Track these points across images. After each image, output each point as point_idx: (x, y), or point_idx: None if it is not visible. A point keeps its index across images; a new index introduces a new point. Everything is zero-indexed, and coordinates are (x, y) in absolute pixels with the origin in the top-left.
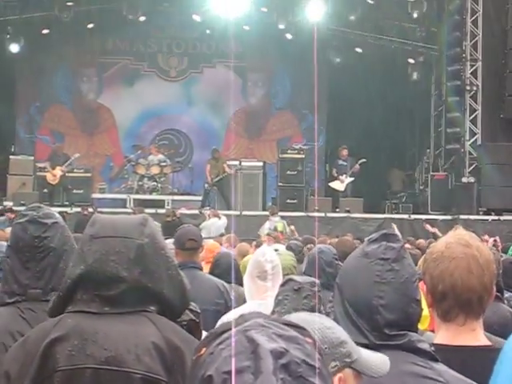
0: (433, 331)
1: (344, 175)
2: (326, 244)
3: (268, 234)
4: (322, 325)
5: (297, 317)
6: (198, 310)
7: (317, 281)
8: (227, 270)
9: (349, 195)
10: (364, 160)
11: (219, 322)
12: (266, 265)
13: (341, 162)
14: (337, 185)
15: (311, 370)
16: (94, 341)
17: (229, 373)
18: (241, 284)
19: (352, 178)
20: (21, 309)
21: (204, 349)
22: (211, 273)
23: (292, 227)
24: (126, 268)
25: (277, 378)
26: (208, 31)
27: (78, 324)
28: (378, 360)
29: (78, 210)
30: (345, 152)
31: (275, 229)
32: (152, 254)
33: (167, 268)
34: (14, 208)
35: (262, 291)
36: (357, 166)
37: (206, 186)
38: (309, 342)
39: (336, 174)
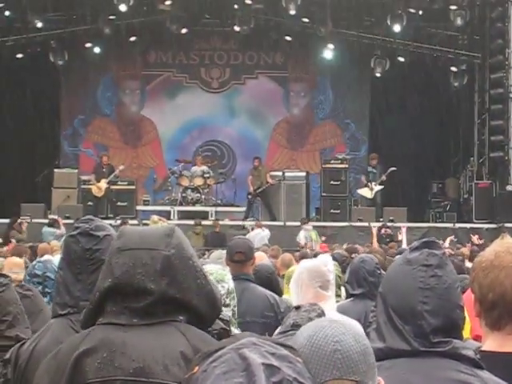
0: (473, 339)
1: (373, 183)
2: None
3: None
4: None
5: (342, 320)
6: (227, 318)
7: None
8: (265, 280)
9: (378, 203)
10: (394, 168)
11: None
12: (329, 275)
13: (370, 169)
14: (365, 192)
15: None
16: (122, 352)
17: None
18: (278, 294)
19: (381, 187)
20: (72, 321)
21: (197, 367)
22: None
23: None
24: (152, 280)
25: None
26: (250, 42)
27: (106, 336)
28: None
29: None
30: (374, 160)
31: (310, 237)
32: (179, 264)
33: (195, 277)
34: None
35: (323, 301)
36: (384, 177)
37: (250, 196)
38: (299, 360)
39: (365, 181)
